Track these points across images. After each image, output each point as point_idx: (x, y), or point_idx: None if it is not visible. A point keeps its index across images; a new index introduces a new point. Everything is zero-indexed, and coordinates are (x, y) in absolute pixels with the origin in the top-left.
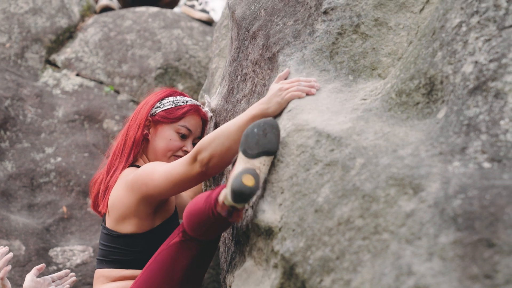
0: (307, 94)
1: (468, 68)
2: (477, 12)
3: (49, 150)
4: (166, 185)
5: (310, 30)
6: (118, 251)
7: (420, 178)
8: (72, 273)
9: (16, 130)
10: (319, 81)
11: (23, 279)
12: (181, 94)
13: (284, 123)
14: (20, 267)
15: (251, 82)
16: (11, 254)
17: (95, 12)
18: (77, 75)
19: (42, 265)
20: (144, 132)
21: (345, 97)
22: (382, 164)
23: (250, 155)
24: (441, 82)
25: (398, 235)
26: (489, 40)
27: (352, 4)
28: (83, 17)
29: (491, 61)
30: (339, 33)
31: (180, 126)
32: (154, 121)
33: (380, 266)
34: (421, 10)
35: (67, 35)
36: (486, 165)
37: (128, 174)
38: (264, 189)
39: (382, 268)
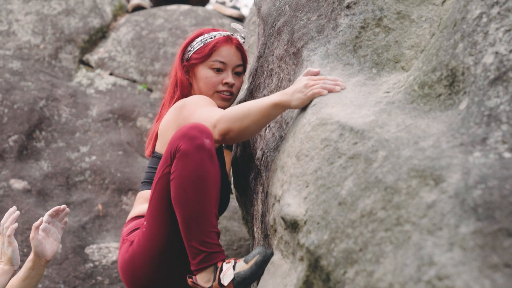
0: (331, 91)
1: (488, 59)
2: (497, 3)
3: (83, 149)
4: None
5: (334, 25)
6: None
7: (441, 169)
8: (64, 205)
9: (51, 130)
10: (343, 75)
11: (60, 276)
12: (211, 30)
13: (309, 118)
14: (57, 265)
15: (277, 77)
16: (18, 213)
17: (127, 12)
18: (111, 74)
19: (36, 224)
20: (185, 77)
21: (368, 90)
22: (404, 156)
23: None
24: (463, 74)
25: (420, 226)
26: (509, 30)
27: None
28: (115, 17)
29: (511, 51)
30: (362, 27)
31: (213, 62)
32: (189, 65)
33: (402, 257)
34: (443, 2)
35: (100, 35)
36: (507, 155)
37: (178, 103)
38: (289, 183)
39: (404, 259)
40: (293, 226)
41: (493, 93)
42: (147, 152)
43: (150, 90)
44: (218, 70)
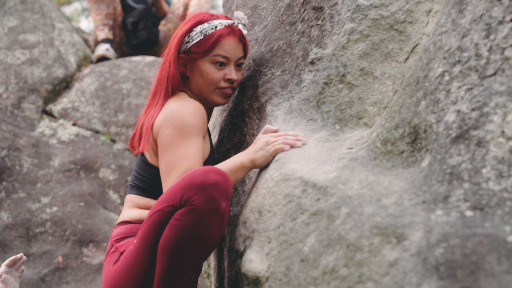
0: (292, 146)
1: (450, 117)
2: (459, 61)
3: (45, 200)
4: None
5: (297, 80)
6: (145, 179)
7: (403, 227)
8: (21, 254)
9: (12, 180)
10: (306, 131)
11: None
12: (210, 18)
13: (272, 173)
14: None
15: (240, 132)
16: None
17: (92, 62)
18: (74, 124)
19: None
20: (182, 70)
21: (331, 146)
22: (366, 213)
23: None
24: (425, 131)
25: (382, 284)
26: (471, 89)
27: (338, 54)
28: (79, 67)
29: (473, 109)
30: (326, 83)
31: (214, 56)
32: (188, 58)
33: None
34: (406, 59)
35: (63, 85)
36: (469, 213)
37: (172, 110)
38: (252, 238)
39: None
40: (255, 282)
41: (455, 151)
42: (137, 151)
43: (113, 141)
44: (221, 65)
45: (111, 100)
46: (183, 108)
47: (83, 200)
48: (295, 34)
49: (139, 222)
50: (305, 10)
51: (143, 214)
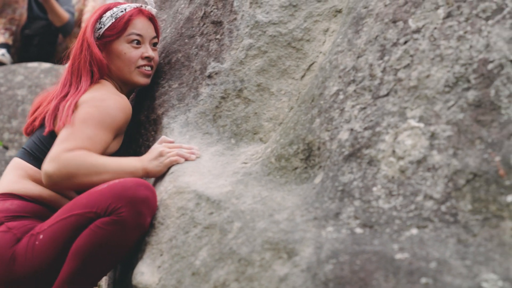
0: (187, 160)
1: (344, 135)
2: (353, 81)
3: None
4: None
5: (195, 94)
6: (47, 151)
7: (294, 243)
8: None
9: None
10: (202, 144)
11: None
12: (118, 4)
13: (166, 185)
14: None
15: (136, 143)
16: None
17: None
18: None
19: None
20: (103, 57)
21: (226, 160)
22: (259, 228)
23: None
24: (319, 148)
25: None
26: (364, 108)
27: (235, 69)
28: None
29: (365, 128)
30: (223, 97)
31: (129, 36)
32: (102, 43)
33: None
34: (302, 77)
35: None
36: (358, 230)
37: (97, 94)
38: (144, 251)
39: None
40: None
41: (347, 169)
42: (50, 126)
43: (6, 148)
44: (137, 43)
45: (5, 106)
46: (114, 100)
47: None
48: (193, 47)
49: (32, 200)
50: (204, 24)
51: (38, 192)
